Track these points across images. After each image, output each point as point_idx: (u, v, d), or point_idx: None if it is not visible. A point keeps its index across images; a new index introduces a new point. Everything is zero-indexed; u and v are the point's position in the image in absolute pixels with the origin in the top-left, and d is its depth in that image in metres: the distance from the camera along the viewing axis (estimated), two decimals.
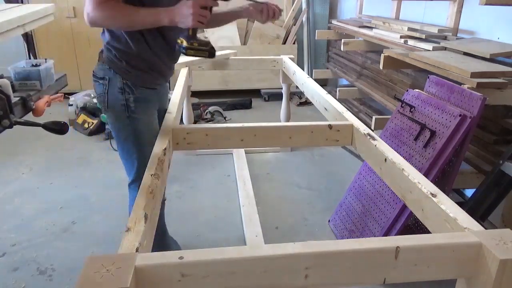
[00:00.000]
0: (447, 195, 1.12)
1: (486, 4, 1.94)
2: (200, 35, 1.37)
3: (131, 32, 1.44)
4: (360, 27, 3.54)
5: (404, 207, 1.89)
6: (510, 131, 1.99)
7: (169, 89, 1.98)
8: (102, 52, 1.53)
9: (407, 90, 2.22)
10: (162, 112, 1.74)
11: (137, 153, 1.60)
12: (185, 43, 1.39)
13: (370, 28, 3.41)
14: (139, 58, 1.49)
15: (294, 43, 4.94)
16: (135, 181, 1.65)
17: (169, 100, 1.92)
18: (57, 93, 1.98)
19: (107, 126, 3.67)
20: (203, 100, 4.40)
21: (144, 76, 1.53)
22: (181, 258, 0.79)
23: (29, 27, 2.06)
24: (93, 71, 1.57)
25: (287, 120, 3.28)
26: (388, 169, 1.36)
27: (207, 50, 1.42)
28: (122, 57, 1.48)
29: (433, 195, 1.11)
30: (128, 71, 1.49)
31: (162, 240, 1.86)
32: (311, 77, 2.74)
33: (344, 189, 2.52)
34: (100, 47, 1.55)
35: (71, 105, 4.01)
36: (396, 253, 0.85)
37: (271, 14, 1.63)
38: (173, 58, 1.64)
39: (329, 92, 2.26)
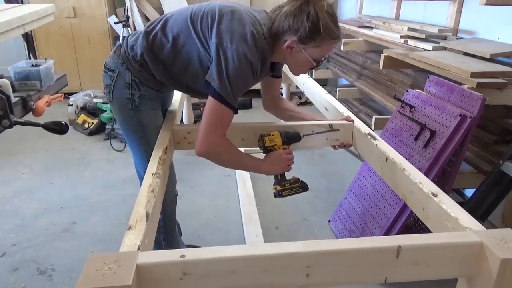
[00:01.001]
0: (447, 195, 1.12)
1: (486, 4, 1.94)
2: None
3: (165, 73, 1.51)
4: (360, 27, 3.54)
5: (404, 207, 1.89)
6: (510, 131, 1.99)
7: None
8: (121, 46, 1.56)
9: (407, 90, 2.22)
10: (164, 113, 1.76)
11: (146, 145, 1.59)
12: (279, 187, 1.54)
13: (370, 28, 3.42)
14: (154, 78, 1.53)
15: None
16: None
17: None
18: (57, 93, 1.98)
19: (107, 126, 3.67)
20: (203, 100, 4.40)
21: (153, 81, 1.54)
22: (182, 256, 0.79)
23: (29, 27, 2.06)
24: (106, 62, 1.59)
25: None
26: (389, 169, 1.36)
27: (300, 186, 1.56)
28: (138, 64, 1.50)
29: (434, 194, 1.11)
30: (140, 72, 1.51)
31: (171, 244, 1.86)
32: (311, 77, 2.74)
33: (344, 189, 2.52)
34: (107, 44, 1.59)
35: (71, 105, 4.00)
36: (397, 253, 0.85)
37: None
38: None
39: (329, 92, 2.26)
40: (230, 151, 1.41)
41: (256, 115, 4.36)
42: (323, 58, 1.44)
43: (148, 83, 1.53)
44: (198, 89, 1.54)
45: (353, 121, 1.72)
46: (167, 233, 1.79)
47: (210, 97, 1.34)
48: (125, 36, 1.55)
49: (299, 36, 1.33)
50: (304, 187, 1.57)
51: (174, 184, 1.79)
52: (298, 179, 1.57)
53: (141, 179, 1.71)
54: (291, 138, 1.56)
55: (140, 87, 1.53)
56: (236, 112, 1.38)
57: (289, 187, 1.55)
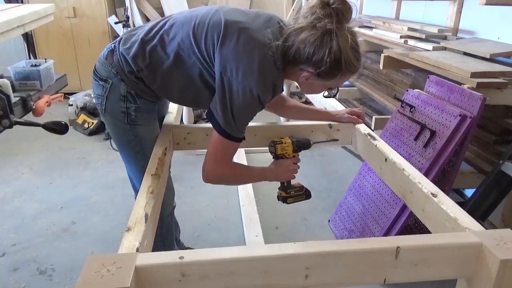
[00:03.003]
0: (447, 195, 1.12)
1: (486, 4, 1.93)
2: None
3: (161, 86, 1.38)
4: (360, 27, 3.54)
5: (404, 207, 1.89)
6: (510, 131, 1.99)
7: None
8: (113, 53, 1.40)
9: (407, 90, 2.21)
10: (161, 120, 1.68)
11: (143, 160, 1.45)
12: (284, 194, 1.55)
13: (370, 28, 3.41)
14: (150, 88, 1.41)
15: None
16: None
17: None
18: (57, 93, 1.98)
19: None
20: None
21: (150, 92, 1.42)
22: (181, 258, 0.79)
23: (29, 27, 2.06)
24: (95, 68, 1.44)
25: (287, 120, 3.27)
26: (388, 169, 1.36)
27: (304, 194, 1.57)
28: (133, 76, 1.37)
29: (434, 195, 1.11)
30: (135, 83, 1.38)
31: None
32: None
33: (344, 189, 2.52)
34: (107, 44, 1.46)
35: (71, 105, 4.00)
36: (397, 253, 0.85)
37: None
38: None
39: None
40: (236, 175, 1.40)
41: (256, 115, 4.36)
42: (338, 87, 1.36)
43: (145, 95, 1.41)
44: (199, 105, 1.49)
45: (359, 122, 1.69)
46: (165, 247, 1.70)
47: (215, 131, 1.28)
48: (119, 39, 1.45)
49: (319, 71, 1.20)
50: (307, 195, 1.58)
51: (172, 197, 1.73)
52: (303, 186, 1.58)
53: (137, 192, 1.59)
54: (302, 146, 1.54)
55: (136, 100, 1.40)
56: (242, 139, 1.34)
57: (294, 195, 1.56)
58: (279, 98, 1.73)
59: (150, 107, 1.47)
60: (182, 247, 2.08)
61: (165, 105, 1.75)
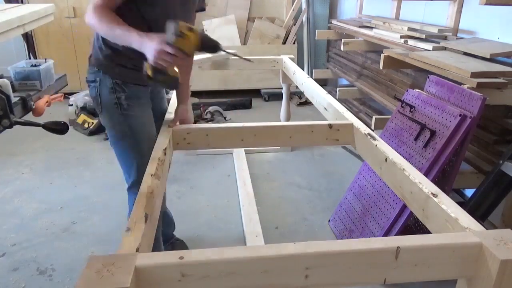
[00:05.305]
0: (447, 195, 1.12)
1: (486, 4, 1.94)
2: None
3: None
4: (360, 27, 3.54)
5: (404, 207, 1.89)
6: (510, 131, 1.99)
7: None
8: (91, 56, 1.57)
9: (407, 90, 2.22)
10: (158, 114, 1.72)
11: (135, 152, 1.58)
12: (149, 72, 1.32)
13: (370, 28, 3.41)
14: (125, 56, 1.48)
15: (294, 43, 4.94)
16: (135, 184, 1.60)
17: (169, 101, 1.92)
18: (57, 93, 1.98)
19: None
20: (203, 100, 4.40)
21: (132, 74, 1.51)
22: (181, 258, 0.79)
23: (29, 27, 2.06)
24: (86, 77, 1.60)
25: (287, 120, 3.27)
26: (388, 169, 1.36)
27: (167, 84, 1.39)
28: (109, 57, 1.50)
29: (434, 195, 1.11)
30: (115, 70, 1.51)
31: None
32: (311, 77, 2.74)
33: (344, 189, 2.52)
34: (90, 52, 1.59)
35: (71, 105, 4.00)
36: (397, 253, 0.85)
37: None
38: None
39: (329, 92, 2.26)
40: (106, 19, 1.34)
41: (256, 115, 4.36)
42: None
43: (130, 80, 1.52)
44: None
45: None
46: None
47: None
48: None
49: None
50: (172, 84, 1.37)
51: (163, 201, 1.74)
52: (175, 78, 1.36)
53: (129, 186, 1.68)
54: (208, 45, 1.36)
55: (124, 88, 1.52)
56: None
57: (160, 79, 1.33)
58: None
59: (140, 93, 1.58)
60: (174, 241, 2.12)
61: (163, 98, 1.81)
